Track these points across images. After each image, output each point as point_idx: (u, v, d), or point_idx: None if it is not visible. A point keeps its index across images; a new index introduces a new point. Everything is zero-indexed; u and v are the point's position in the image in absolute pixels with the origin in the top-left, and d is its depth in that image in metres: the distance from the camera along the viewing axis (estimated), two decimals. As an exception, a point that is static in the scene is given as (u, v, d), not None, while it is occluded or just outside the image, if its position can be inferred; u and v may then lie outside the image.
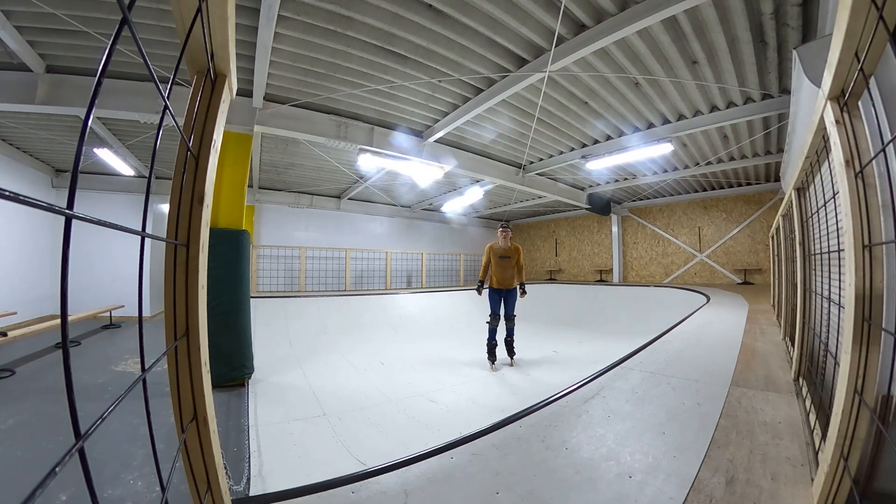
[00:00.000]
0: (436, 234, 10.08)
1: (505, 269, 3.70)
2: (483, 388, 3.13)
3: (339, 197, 8.27)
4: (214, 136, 0.98)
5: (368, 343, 4.64)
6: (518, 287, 3.77)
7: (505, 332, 3.96)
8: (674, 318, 4.12)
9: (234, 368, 2.93)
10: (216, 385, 2.78)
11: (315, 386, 3.01)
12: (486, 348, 3.86)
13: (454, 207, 8.83)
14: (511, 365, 3.74)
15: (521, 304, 6.12)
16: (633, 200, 8.75)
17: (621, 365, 2.21)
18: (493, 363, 3.70)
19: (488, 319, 3.71)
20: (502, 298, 3.79)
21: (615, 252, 9.30)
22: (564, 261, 10.78)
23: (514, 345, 4.00)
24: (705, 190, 7.70)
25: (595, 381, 1.98)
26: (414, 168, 4.82)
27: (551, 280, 10.11)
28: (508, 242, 3.83)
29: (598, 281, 9.17)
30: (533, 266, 12.28)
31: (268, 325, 4.58)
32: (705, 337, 2.83)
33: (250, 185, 6.89)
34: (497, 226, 3.65)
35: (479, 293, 3.76)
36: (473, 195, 7.51)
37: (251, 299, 4.04)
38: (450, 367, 3.73)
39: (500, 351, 3.97)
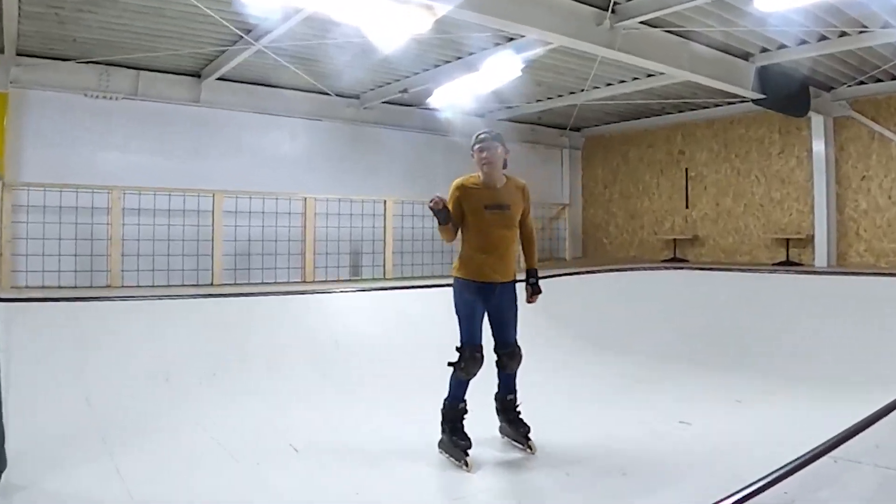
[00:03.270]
0: (416, 159, 9.62)
1: (498, 236, 3.51)
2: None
3: (197, 75, 7.86)
4: None
5: (262, 401, 4.62)
6: (527, 280, 3.62)
7: (498, 386, 3.70)
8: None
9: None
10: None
11: (140, 497, 3.18)
12: (442, 423, 3.57)
13: (456, 99, 8.52)
14: (531, 451, 3.57)
15: (563, 314, 6.32)
16: (862, 83, 8.13)
17: (831, 453, 2.35)
18: (465, 454, 3.40)
19: (454, 360, 3.45)
20: (489, 307, 3.54)
21: (821, 198, 8.47)
22: (705, 218, 10.09)
23: (520, 409, 3.75)
24: None
25: (774, 486, 2.08)
26: (369, 11, 4.92)
27: (676, 262, 9.61)
28: (502, 173, 3.56)
29: (779, 263, 8.69)
30: (631, 231, 10.99)
31: (39, 361, 4.46)
32: None
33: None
34: (474, 139, 3.62)
35: (444, 219, 3.44)
36: (501, 71, 7.16)
37: None
38: (438, 457, 3.64)
39: (481, 422, 3.73)
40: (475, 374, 3.52)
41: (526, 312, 7.25)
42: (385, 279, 8.24)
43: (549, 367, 5.94)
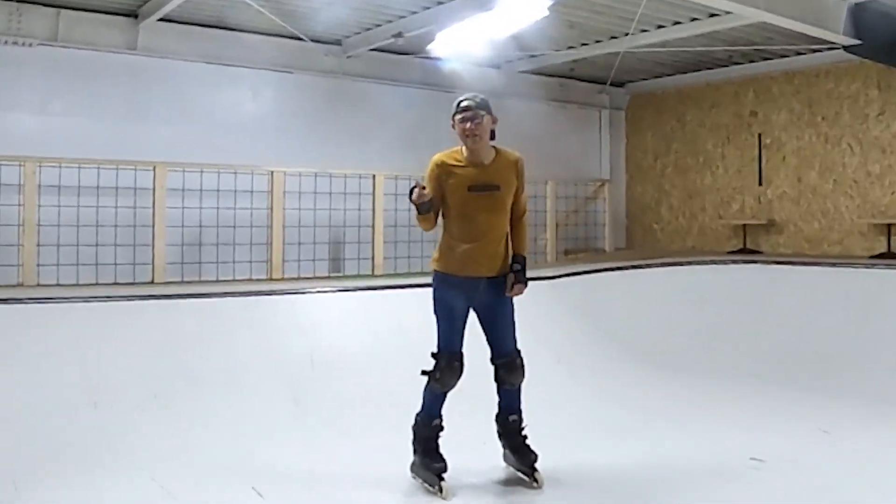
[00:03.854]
0: (413, 122, 9.74)
1: (485, 222, 3.73)
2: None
3: (134, 15, 7.96)
4: None
5: (217, 433, 4.64)
6: (511, 267, 3.80)
7: (499, 405, 3.90)
8: None
9: None
10: None
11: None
12: (414, 443, 3.85)
13: (465, 45, 8.59)
14: (536, 484, 3.73)
15: (601, 319, 6.75)
16: None
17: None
18: (440, 478, 3.63)
19: (429, 368, 3.73)
20: (476, 308, 3.81)
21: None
22: (784, 197, 10.13)
23: (527, 434, 3.91)
24: None
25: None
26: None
27: (746, 254, 9.66)
28: (491, 146, 3.79)
29: (878, 256, 8.86)
30: (689, 215, 11.13)
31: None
32: None
33: None
34: (455, 106, 3.72)
35: (427, 209, 3.69)
36: (522, 10, 7.25)
37: None
38: (410, 482, 3.85)
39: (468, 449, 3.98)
40: (452, 387, 3.72)
41: (552, 315, 7.28)
42: (374, 276, 8.07)
43: (579, 385, 5.95)
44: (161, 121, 8.24)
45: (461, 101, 3.77)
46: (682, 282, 8.32)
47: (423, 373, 3.77)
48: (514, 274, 3.77)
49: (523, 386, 3.94)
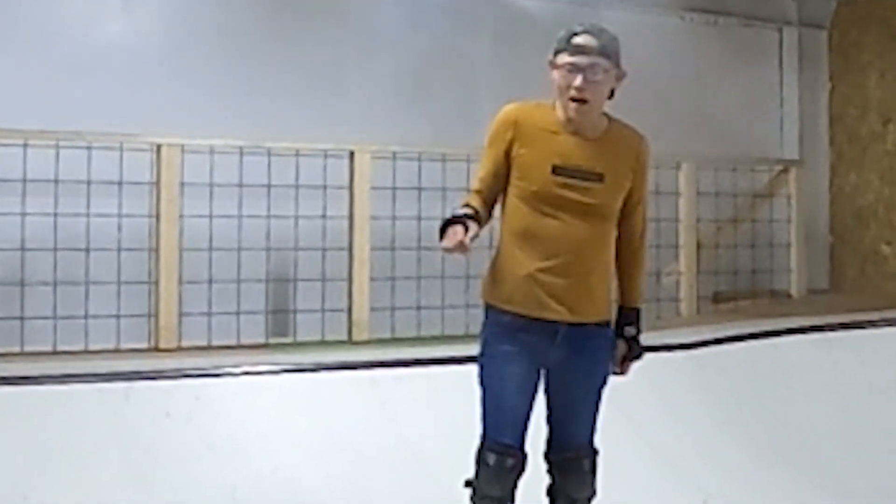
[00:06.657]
0: (425, 56, 10.41)
1: (570, 231, 3.98)
2: None
3: None
4: None
5: None
6: (618, 328, 4.14)
7: None
8: None
9: None
10: None
11: None
12: None
13: None
14: None
15: (781, 425, 7.62)
16: None
17: None
18: None
19: (471, 478, 4.08)
20: (547, 370, 4.07)
21: None
22: None
23: None
24: None
25: None
26: None
27: None
28: (602, 115, 4.07)
29: None
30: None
31: None
32: None
33: None
34: (564, 39, 4.05)
35: (459, 245, 3.74)
36: None
37: None
38: None
39: None
40: (501, 500, 3.99)
41: (689, 412, 7.98)
42: (352, 344, 8.40)
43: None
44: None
45: (575, 33, 3.94)
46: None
47: (467, 484, 4.07)
48: (628, 342, 3.95)
49: None
